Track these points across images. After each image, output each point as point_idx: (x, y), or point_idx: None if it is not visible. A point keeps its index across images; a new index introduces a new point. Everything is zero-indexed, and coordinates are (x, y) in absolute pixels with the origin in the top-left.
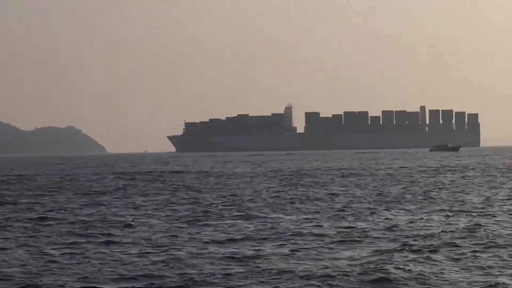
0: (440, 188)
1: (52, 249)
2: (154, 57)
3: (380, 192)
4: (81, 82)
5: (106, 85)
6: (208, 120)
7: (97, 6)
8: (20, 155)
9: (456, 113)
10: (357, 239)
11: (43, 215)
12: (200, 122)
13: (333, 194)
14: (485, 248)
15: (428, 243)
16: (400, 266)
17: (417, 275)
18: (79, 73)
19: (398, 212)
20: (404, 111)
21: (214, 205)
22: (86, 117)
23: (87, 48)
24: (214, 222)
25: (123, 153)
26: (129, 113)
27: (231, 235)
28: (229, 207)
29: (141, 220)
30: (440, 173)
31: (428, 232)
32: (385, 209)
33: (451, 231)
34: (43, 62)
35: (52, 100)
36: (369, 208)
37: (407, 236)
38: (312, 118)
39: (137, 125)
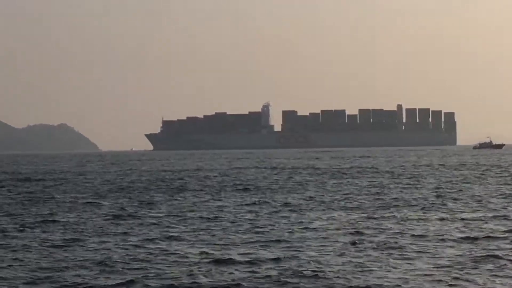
0: None
1: None
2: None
3: None
4: (73, 80)
5: (99, 83)
6: (185, 118)
7: (88, 4)
8: (11, 153)
9: (432, 111)
10: None
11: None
12: (177, 120)
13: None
14: None
15: None
16: None
17: None
18: (72, 71)
19: None
20: (381, 110)
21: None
22: (78, 114)
23: (80, 46)
24: None
25: (115, 150)
26: (121, 110)
27: None
28: None
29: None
30: None
31: None
32: None
33: None
34: (36, 59)
35: (44, 97)
36: None
37: None
38: (289, 116)
39: (128, 123)
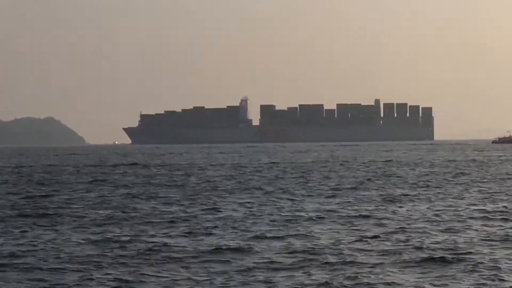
0: None
1: None
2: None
3: None
4: (60, 73)
5: (85, 76)
6: (163, 112)
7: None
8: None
9: (410, 106)
10: None
11: None
12: (155, 114)
13: None
14: None
15: None
16: None
17: None
18: (59, 64)
19: None
20: (359, 104)
21: None
22: (65, 108)
23: (65, 40)
24: None
25: (102, 144)
26: (106, 104)
27: None
28: None
29: None
30: None
31: None
32: None
33: None
34: (22, 53)
35: (31, 91)
36: None
37: None
38: (267, 110)
39: (112, 117)
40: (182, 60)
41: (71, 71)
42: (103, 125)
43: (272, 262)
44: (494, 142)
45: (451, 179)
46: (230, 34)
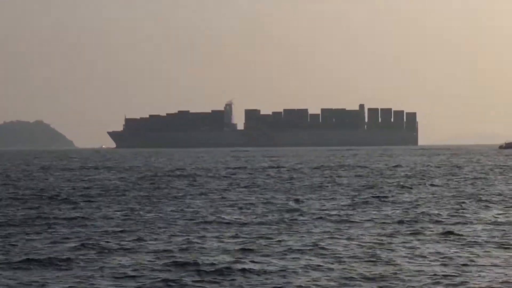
0: None
1: None
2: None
3: None
4: (49, 77)
5: (74, 79)
6: (148, 116)
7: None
8: None
9: (394, 111)
10: None
11: None
12: (140, 118)
13: None
14: None
15: None
16: None
17: None
18: (47, 68)
19: None
20: (344, 109)
21: None
22: (54, 111)
23: (54, 43)
24: None
25: (90, 148)
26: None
27: None
28: None
29: None
30: None
31: None
32: None
33: None
34: (11, 56)
35: (20, 94)
36: None
37: None
38: (252, 115)
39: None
40: (167, 64)
41: (61, 74)
42: (92, 128)
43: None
44: (501, 147)
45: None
46: (214, 39)
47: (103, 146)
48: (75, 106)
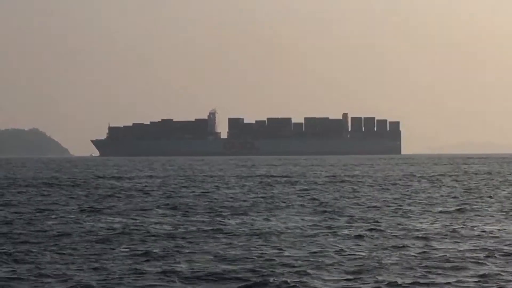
0: None
1: None
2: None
3: None
4: (45, 84)
5: (69, 88)
6: (132, 124)
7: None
8: None
9: (378, 120)
10: None
11: None
12: (123, 126)
13: None
14: None
15: None
16: None
17: None
18: (42, 75)
19: None
20: (327, 118)
21: None
22: (50, 119)
23: (50, 49)
24: None
25: (84, 156)
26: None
27: None
28: None
29: None
30: None
31: None
32: None
33: None
34: (5, 63)
35: (16, 102)
36: None
37: None
38: (235, 123)
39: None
40: (150, 72)
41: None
42: (85, 136)
43: None
44: None
45: None
46: (197, 46)
47: (93, 155)
48: (69, 113)
